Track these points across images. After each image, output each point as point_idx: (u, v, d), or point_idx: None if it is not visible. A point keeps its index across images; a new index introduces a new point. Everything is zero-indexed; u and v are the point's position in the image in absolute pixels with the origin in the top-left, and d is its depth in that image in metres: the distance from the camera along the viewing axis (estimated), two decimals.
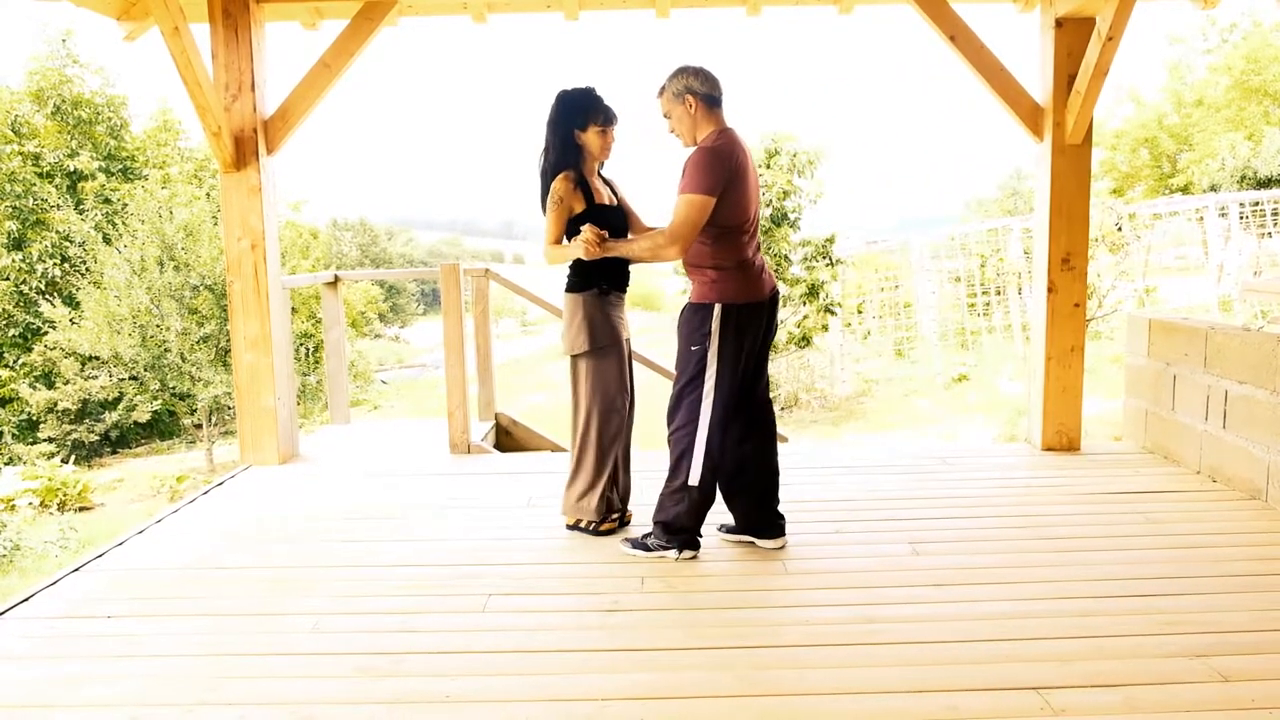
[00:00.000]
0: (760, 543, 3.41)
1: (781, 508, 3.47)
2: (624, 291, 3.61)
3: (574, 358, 3.55)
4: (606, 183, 3.61)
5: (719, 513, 3.55)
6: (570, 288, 3.53)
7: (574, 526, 3.65)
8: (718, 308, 3.13)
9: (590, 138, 3.46)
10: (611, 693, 2.38)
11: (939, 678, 2.42)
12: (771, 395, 3.47)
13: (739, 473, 3.38)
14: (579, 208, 3.42)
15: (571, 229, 3.43)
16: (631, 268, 3.58)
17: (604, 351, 3.51)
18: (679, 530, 3.29)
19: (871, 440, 11.40)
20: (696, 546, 3.33)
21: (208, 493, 4.36)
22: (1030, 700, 2.29)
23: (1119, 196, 20.10)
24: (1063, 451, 4.74)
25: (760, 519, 3.40)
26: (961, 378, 13.70)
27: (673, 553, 3.31)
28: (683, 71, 3.20)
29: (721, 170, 3.06)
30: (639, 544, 3.38)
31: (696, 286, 3.21)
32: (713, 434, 3.18)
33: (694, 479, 3.21)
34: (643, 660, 2.56)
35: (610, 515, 3.65)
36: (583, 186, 3.44)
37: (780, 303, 3.38)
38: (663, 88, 3.24)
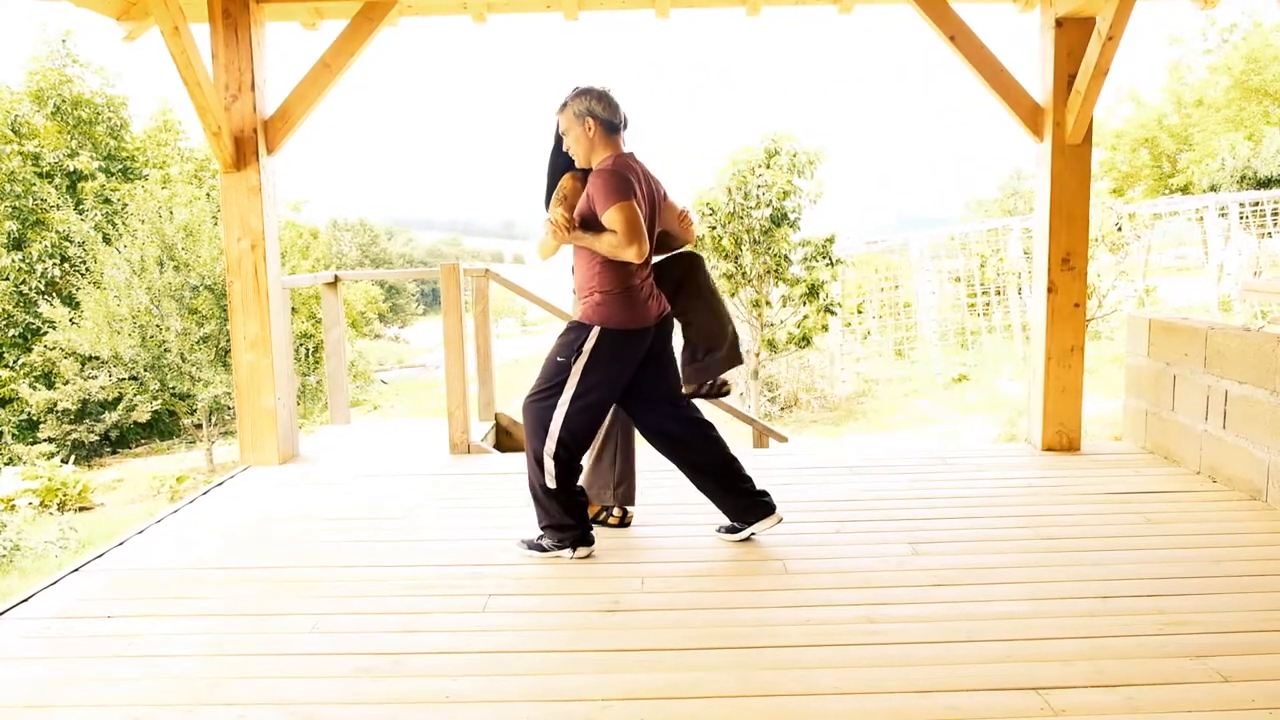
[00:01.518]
0: (757, 528, 3.43)
1: (781, 508, 3.48)
2: None
3: None
4: None
5: (717, 515, 3.54)
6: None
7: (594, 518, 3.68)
8: (595, 330, 3.19)
9: None
10: (612, 693, 2.38)
11: (939, 678, 2.42)
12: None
13: (699, 478, 3.44)
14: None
15: (580, 227, 3.42)
16: None
17: None
18: (565, 529, 3.34)
19: (871, 440, 11.41)
20: (590, 542, 3.39)
21: (207, 493, 4.36)
22: (1030, 700, 2.29)
23: (1119, 196, 20.10)
24: (1063, 452, 4.74)
25: (746, 507, 3.43)
26: (961, 378, 13.71)
27: (567, 552, 3.36)
28: (586, 93, 3.23)
29: (625, 183, 3.11)
30: (535, 545, 3.42)
31: (582, 307, 3.27)
32: (563, 444, 3.23)
33: (550, 483, 3.27)
34: (643, 660, 2.57)
35: (613, 511, 3.68)
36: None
37: (673, 324, 3.45)
38: (564, 104, 3.26)
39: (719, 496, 3.46)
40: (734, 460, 3.44)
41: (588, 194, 3.19)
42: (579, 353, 3.20)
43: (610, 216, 3.11)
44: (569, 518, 3.33)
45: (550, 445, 3.24)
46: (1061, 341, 4.69)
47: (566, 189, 3.40)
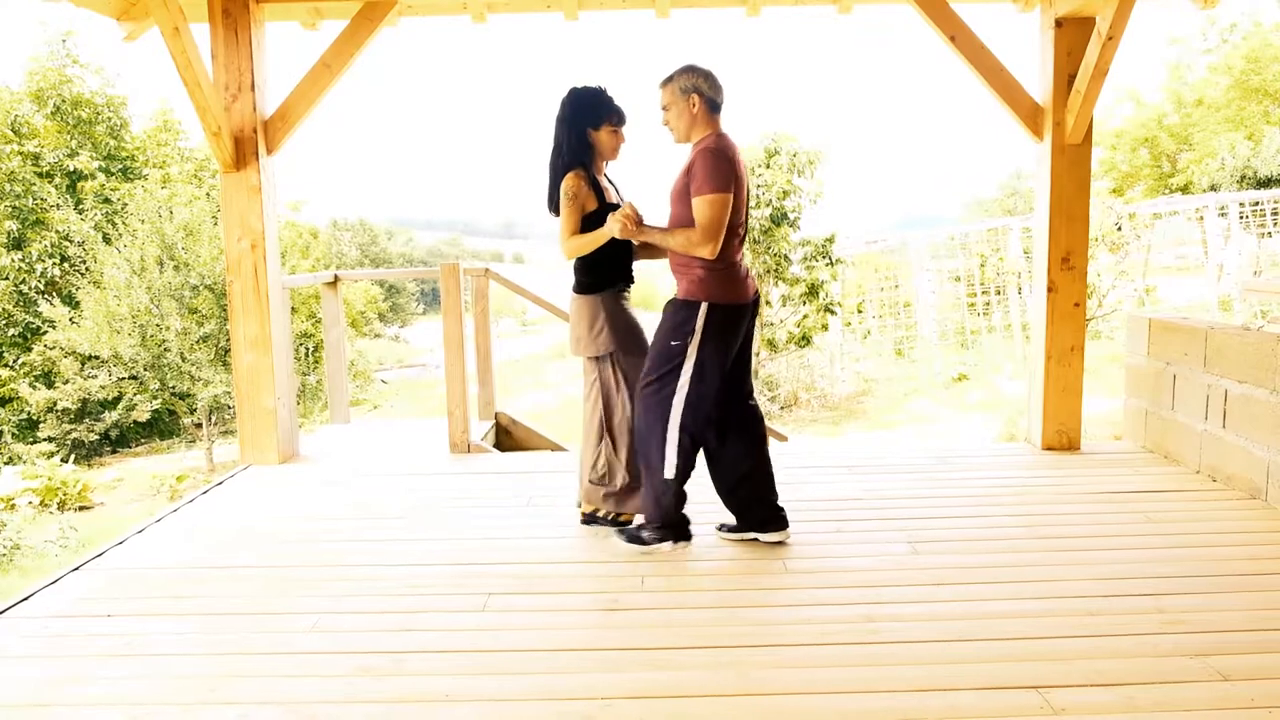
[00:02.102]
0: (763, 537, 3.43)
1: (782, 507, 3.47)
2: (630, 288, 3.61)
3: (596, 360, 3.53)
4: (610, 182, 3.62)
5: (720, 513, 3.55)
6: (582, 289, 3.52)
7: (590, 517, 3.67)
8: (704, 306, 3.17)
9: (603, 137, 3.46)
10: (612, 692, 2.38)
11: (939, 677, 2.42)
12: (772, 395, 3.49)
13: (732, 472, 3.40)
14: (591, 206, 3.41)
15: (585, 226, 3.42)
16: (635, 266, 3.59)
17: (637, 349, 3.51)
18: (670, 525, 3.34)
19: (871, 440, 11.40)
20: (689, 537, 3.39)
21: (207, 492, 4.36)
22: (1030, 699, 2.29)
23: (1119, 196, 20.10)
24: (1063, 451, 4.74)
25: (761, 514, 3.42)
26: (961, 377, 13.71)
27: (668, 545, 3.35)
28: (693, 70, 3.23)
29: (729, 168, 3.11)
30: (635, 537, 3.41)
31: (684, 284, 3.24)
32: (685, 429, 3.20)
33: (669, 473, 3.25)
34: (643, 659, 2.57)
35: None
36: (594, 186, 3.44)
37: (761, 306, 3.42)
38: (670, 78, 3.26)
39: (742, 500, 3.42)
40: (770, 465, 3.43)
41: (689, 168, 3.16)
42: (692, 332, 3.16)
43: (701, 204, 3.09)
44: (676, 511, 3.32)
45: (673, 433, 3.20)
46: (1061, 341, 4.69)
47: (574, 188, 3.39)
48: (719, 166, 3.09)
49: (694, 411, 3.20)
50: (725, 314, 3.19)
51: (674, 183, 3.25)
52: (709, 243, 3.10)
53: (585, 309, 3.51)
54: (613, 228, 3.29)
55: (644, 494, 3.37)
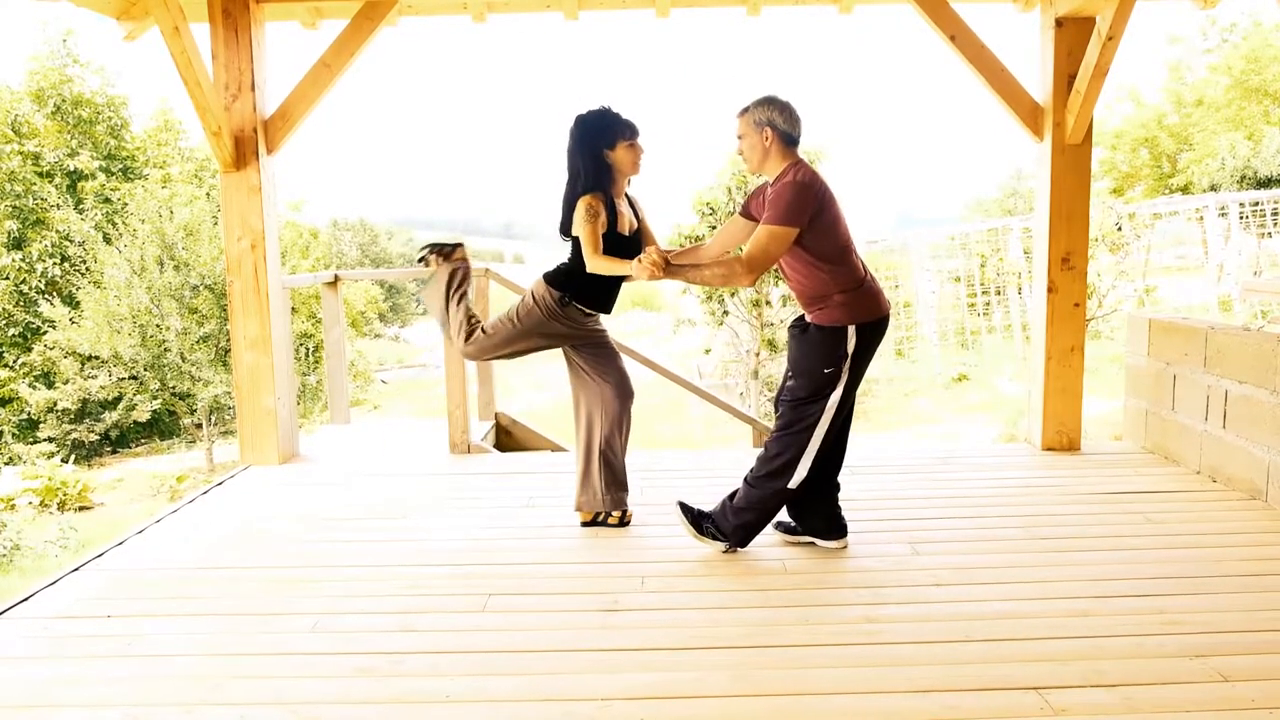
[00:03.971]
0: (822, 543, 3.41)
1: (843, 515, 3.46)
2: (597, 313, 3.61)
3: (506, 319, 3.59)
4: (630, 204, 3.57)
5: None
6: (547, 276, 3.54)
7: (593, 521, 3.70)
8: (852, 329, 3.15)
9: (620, 154, 3.42)
10: (612, 693, 2.38)
11: (939, 677, 2.42)
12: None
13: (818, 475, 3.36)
14: (603, 229, 3.39)
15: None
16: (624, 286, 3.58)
17: (521, 322, 3.54)
18: (746, 529, 3.33)
19: (871, 440, 11.40)
20: (744, 546, 3.39)
21: (207, 493, 4.36)
22: (1030, 700, 2.29)
23: (1119, 196, 20.10)
24: (1063, 451, 4.74)
25: (828, 519, 3.40)
26: (962, 377, 13.71)
27: (722, 546, 3.35)
28: (770, 102, 3.19)
29: (810, 204, 3.07)
30: (695, 521, 3.39)
31: (826, 311, 3.19)
32: (824, 442, 3.21)
33: (794, 483, 3.24)
34: (643, 660, 2.57)
35: (611, 512, 3.67)
36: (609, 210, 3.40)
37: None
38: (746, 109, 3.23)
39: (815, 501, 3.39)
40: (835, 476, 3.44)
41: (766, 196, 3.17)
42: (845, 356, 3.15)
43: (762, 233, 3.06)
44: (764, 521, 3.32)
45: (814, 445, 3.20)
46: (1061, 341, 4.69)
47: (595, 206, 3.35)
48: (797, 200, 3.05)
49: (833, 426, 3.21)
50: (872, 330, 3.20)
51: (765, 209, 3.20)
52: (752, 274, 3.09)
53: (532, 286, 3.56)
54: (639, 275, 3.24)
55: (748, 490, 3.32)
